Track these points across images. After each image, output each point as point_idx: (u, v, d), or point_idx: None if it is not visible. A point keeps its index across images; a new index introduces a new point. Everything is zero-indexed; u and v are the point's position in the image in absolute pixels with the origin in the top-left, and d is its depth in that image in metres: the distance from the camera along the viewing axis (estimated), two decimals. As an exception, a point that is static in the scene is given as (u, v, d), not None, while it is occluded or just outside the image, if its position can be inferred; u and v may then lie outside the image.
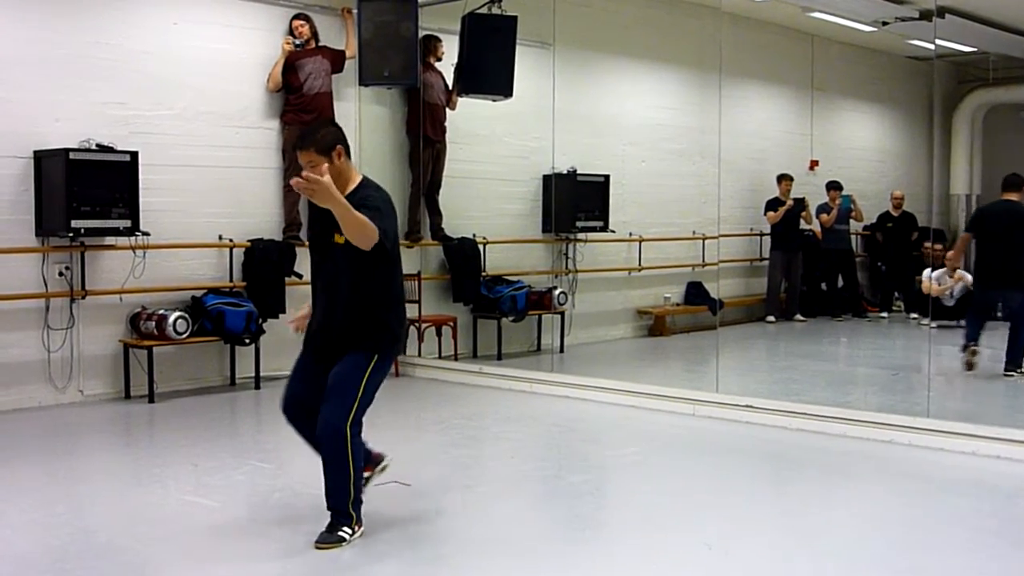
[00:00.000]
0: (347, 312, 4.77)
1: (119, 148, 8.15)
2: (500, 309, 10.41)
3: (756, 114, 13.43)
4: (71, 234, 7.88)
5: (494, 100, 10.13)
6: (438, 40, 10.08)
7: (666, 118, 12.39)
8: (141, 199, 8.18)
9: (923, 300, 11.45)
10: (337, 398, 4.70)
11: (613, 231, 11.38)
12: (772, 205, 13.01)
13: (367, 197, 4.71)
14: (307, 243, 5.15)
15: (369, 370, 4.75)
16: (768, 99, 13.84)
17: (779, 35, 13.17)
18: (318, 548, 4.69)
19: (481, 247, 10.58)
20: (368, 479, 5.04)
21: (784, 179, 13.03)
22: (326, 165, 4.61)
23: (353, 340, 4.77)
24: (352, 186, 4.76)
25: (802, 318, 13.21)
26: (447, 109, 10.21)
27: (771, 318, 13.09)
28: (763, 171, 13.21)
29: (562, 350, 10.91)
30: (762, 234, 13.35)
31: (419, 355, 9.95)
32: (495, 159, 10.93)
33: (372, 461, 5.11)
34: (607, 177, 11.35)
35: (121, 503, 5.68)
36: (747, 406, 7.68)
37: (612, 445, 7.12)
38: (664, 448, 7.00)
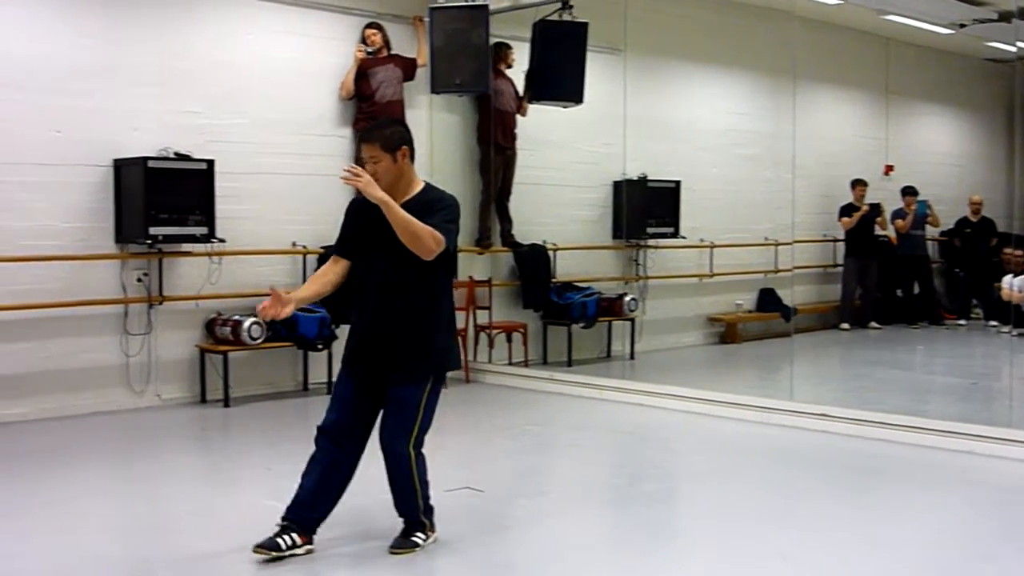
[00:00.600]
0: (402, 325, 4.63)
1: (196, 156, 8.29)
2: (570, 316, 10.39)
3: (829, 118, 13.27)
4: (149, 241, 8.02)
5: (565, 106, 10.11)
6: (509, 47, 10.11)
7: (738, 123, 12.28)
8: (217, 206, 8.31)
9: (1003, 307, 11.20)
10: (399, 422, 4.68)
11: (684, 237, 11.31)
12: (846, 211, 12.83)
13: (439, 200, 4.67)
14: (341, 249, 4.89)
15: (427, 393, 4.70)
16: (842, 103, 13.66)
17: (853, 39, 13.00)
18: (392, 553, 4.72)
19: (551, 253, 10.57)
20: (295, 546, 4.68)
21: (858, 184, 12.85)
22: (375, 167, 4.60)
23: (408, 361, 4.65)
24: (415, 190, 4.70)
25: (877, 325, 12.99)
26: (517, 116, 10.24)
27: (845, 325, 12.90)
28: (837, 176, 13.03)
29: (632, 357, 10.86)
30: (836, 240, 13.17)
31: (489, 361, 9.96)
32: (565, 165, 10.92)
33: (308, 534, 4.75)
34: (678, 183, 11.28)
35: (198, 506, 5.77)
36: (822, 415, 7.57)
37: (684, 453, 7.06)
38: (737, 456, 6.92)
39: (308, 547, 4.74)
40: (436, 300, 4.72)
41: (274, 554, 4.62)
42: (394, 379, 4.68)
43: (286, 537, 4.68)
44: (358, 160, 4.79)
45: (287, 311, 4.61)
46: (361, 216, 4.76)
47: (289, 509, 4.77)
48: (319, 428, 4.79)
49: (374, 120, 9.12)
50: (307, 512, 4.75)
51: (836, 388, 9.69)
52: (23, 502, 5.74)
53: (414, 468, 4.70)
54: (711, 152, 12.06)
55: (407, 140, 4.72)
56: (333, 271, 4.85)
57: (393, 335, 4.65)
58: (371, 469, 4.97)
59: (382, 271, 4.66)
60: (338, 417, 4.75)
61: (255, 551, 4.62)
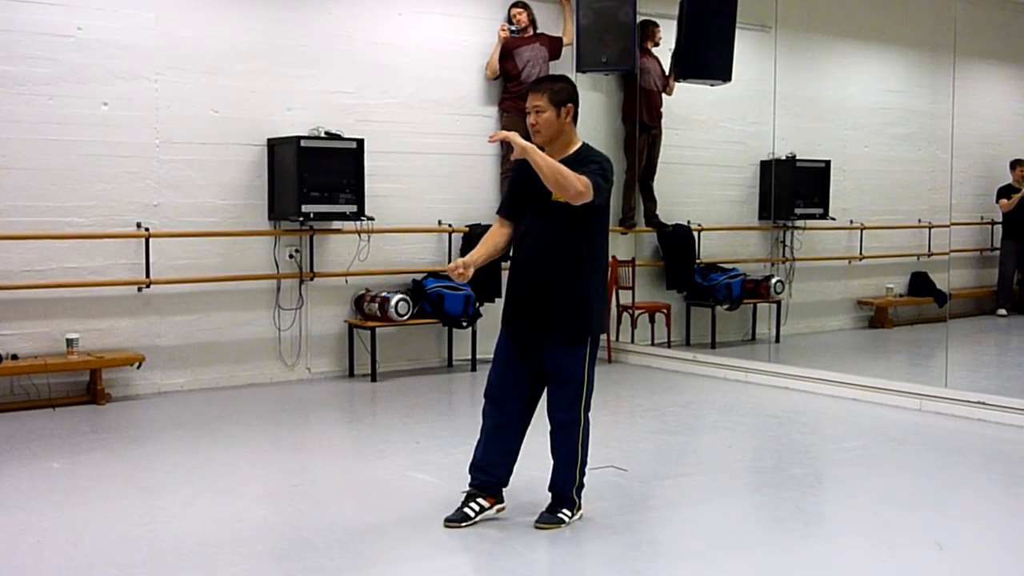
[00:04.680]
0: (554, 283, 4.65)
1: (346, 136, 8.46)
2: (714, 297, 10.27)
3: (989, 97, 12.74)
4: (301, 218, 8.23)
5: (712, 85, 9.96)
6: (656, 25, 10.01)
7: (892, 101, 11.92)
8: (366, 185, 8.46)
9: None
10: (568, 396, 4.72)
11: (833, 218, 11.06)
12: (1004, 192, 12.33)
13: (593, 157, 4.69)
14: (505, 210, 4.90)
15: (588, 356, 4.74)
16: (1003, 81, 13.09)
17: (1019, 12, 12.44)
18: (538, 528, 4.75)
19: (696, 234, 10.46)
20: (484, 509, 4.81)
21: (1018, 165, 12.30)
22: (537, 116, 4.67)
23: (561, 323, 4.67)
24: (572, 149, 4.73)
25: (1037, 311, 12.48)
26: (663, 95, 10.14)
27: (1003, 311, 12.39)
28: (995, 156, 12.52)
29: (778, 340, 10.67)
30: (993, 223, 12.67)
31: (632, 342, 9.92)
32: (711, 145, 10.79)
33: (494, 496, 4.87)
34: (828, 163, 11.04)
35: (348, 476, 5.91)
36: (979, 403, 7.31)
37: (834, 438, 6.90)
38: (890, 443, 6.73)
39: (499, 507, 4.86)
40: (587, 261, 4.70)
41: (464, 525, 4.73)
42: (549, 346, 4.71)
43: (472, 504, 4.79)
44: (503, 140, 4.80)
45: (470, 273, 4.70)
46: (525, 176, 4.72)
47: (470, 474, 4.87)
48: (484, 394, 4.88)
49: (520, 99, 9.14)
50: (483, 476, 4.84)
51: (993, 376, 9.35)
52: (183, 469, 5.98)
53: (580, 434, 4.75)
54: (863, 131, 11.74)
55: (574, 99, 4.77)
56: (499, 233, 4.88)
57: (546, 294, 4.67)
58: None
59: (534, 229, 4.69)
60: (495, 380, 4.85)
61: (447, 525, 4.74)
